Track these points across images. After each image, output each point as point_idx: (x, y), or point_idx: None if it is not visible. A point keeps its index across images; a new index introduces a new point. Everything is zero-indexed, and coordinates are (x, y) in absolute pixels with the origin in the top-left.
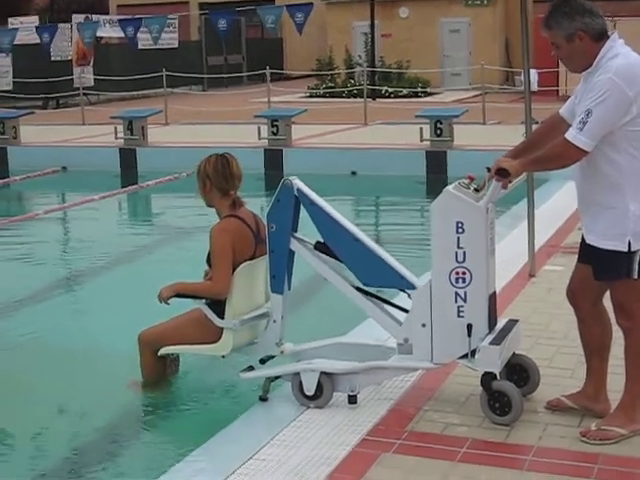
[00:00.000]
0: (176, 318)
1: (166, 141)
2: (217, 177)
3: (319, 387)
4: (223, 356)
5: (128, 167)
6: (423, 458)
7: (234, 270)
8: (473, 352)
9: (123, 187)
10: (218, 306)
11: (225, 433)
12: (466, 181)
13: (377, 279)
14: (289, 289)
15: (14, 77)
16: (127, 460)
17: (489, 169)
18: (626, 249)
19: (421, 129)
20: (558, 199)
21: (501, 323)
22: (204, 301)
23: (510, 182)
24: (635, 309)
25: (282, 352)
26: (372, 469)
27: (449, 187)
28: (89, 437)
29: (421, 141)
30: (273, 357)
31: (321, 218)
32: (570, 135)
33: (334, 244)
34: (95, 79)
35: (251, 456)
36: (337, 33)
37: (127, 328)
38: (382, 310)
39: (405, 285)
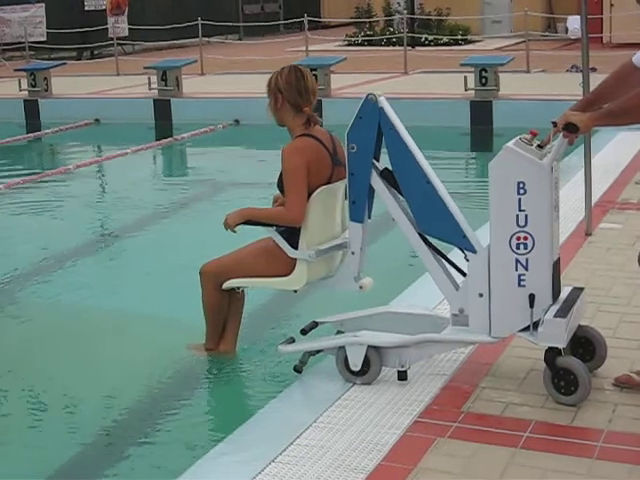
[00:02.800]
0: (242, 248)
1: (201, 91)
2: (290, 91)
3: (366, 362)
4: (295, 291)
5: (162, 119)
6: (482, 444)
7: (309, 195)
8: (535, 324)
9: (157, 140)
10: (291, 235)
11: (264, 413)
12: (528, 136)
13: (436, 230)
14: (369, 217)
15: (48, 28)
16: (161, 444)
17: (555, 123)
18: None
19: (465, 78)
20: (610, 151)
21: (565, 292)
22: (275, 229)
23: (577, 138)
24: None
25: (361, 287)
26: (426, 457)
27: (509, 143)
28: (121, 414)
29: (465, 90)
30: (315, 327)
31: (397, 146)
32: None
33: (403, 178)
34: (130, 29)
35: (292, 441)
36: None
37: (159, 286)
38: (443, 269)
39: (465, 245)
